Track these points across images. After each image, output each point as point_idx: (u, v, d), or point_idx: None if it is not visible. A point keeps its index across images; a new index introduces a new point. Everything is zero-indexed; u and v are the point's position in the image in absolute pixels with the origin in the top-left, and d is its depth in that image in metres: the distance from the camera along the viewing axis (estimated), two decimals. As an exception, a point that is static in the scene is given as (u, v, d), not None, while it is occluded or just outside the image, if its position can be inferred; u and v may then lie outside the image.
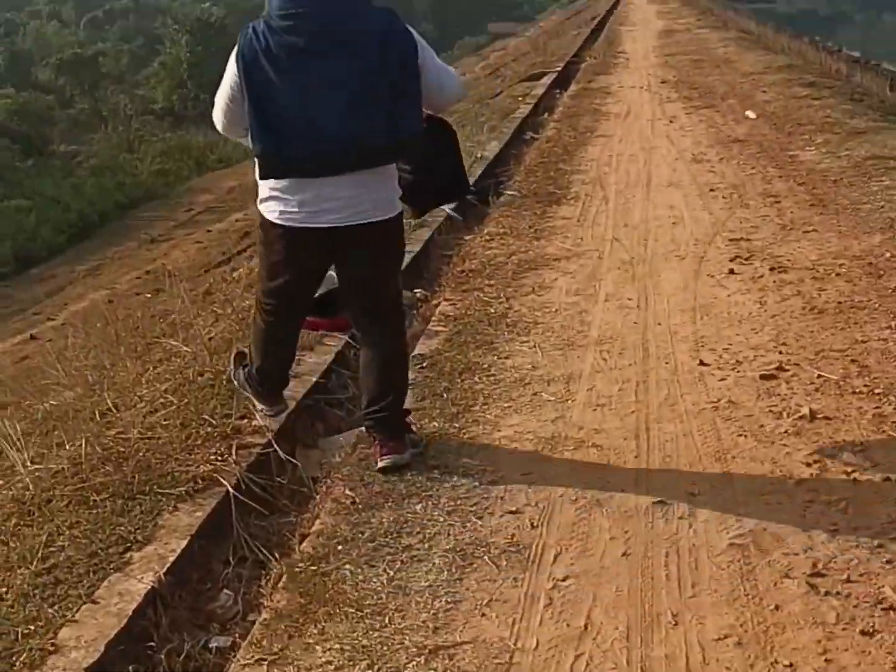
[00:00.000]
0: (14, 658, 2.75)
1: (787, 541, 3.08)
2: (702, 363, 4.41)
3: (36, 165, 29.27)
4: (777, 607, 2.79)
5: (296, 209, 3.51)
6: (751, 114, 10.30)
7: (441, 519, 3.39)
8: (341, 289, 3.84)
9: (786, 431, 3.74)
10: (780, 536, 3.11)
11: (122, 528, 3.37)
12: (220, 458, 3.81)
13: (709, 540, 3.14)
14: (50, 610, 2.95)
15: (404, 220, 3.82)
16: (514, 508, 3.43)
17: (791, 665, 2.57)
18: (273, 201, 3.56)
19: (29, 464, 3.94)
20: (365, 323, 3.86)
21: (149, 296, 11.12)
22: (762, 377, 4.20)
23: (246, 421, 4.13)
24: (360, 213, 3.52)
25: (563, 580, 3.02)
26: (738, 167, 8.08)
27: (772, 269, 5.50)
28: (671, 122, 10.42)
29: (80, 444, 3.97)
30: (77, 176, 27.55)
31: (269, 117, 3.42)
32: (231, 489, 3.60)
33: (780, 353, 4.41)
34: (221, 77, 3.60)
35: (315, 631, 2.87)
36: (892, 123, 9.36)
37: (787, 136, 9.13)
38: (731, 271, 5.53)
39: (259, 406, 4.12)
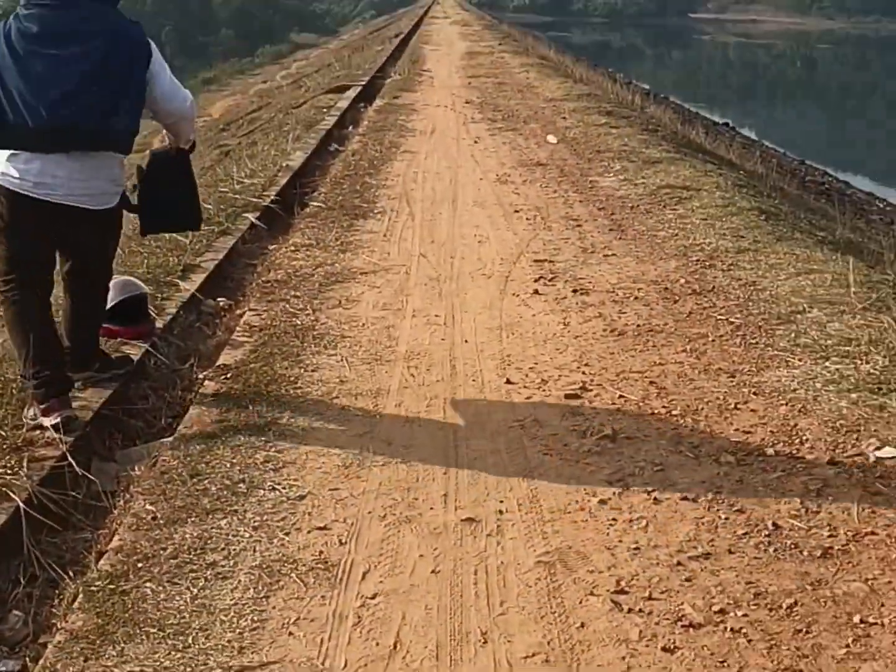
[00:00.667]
0: None
1: (591, 558, 3.14)
2: (508, 381, 4.47)
3: None
4: (583, 625, 2.84)
5: (22, 177, 3.89)
6: (552, 139, 10.59)
7: (247, 535, 3.31)
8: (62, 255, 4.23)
9: (589, 450, 3.83)
10: (584, 554, 3.17)
11: None
12: (10, 471, 3.60)
13: (517, 557, 3.17)
14: None
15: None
16: (322, 524, 3.38)
17: (596, 681, 2.62)
18: (6, 167, 3.91)
19: None
20: (73, 286, 4.30)
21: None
22: (566, 396, 4.29)
23: (38, 433, 3.92)
24: (73, 196, 3.95)
25: (372, 598, 2.99)
26: (541, 190, 8.29)
27: (574, 290, 5.66)
28: (476, 142, 10.59)
29: None
30: None
31: (2, 94, 3.82)
32: (22, 504, 3.41)
33: (584, 373, 4.53)
34: None
35: (114, 653, 2.74)
36: (684, 155, 9.83)
37: (588, 161, 9.44)
38: (536, 291, 5.66)
39: (42, 413, 3.97)
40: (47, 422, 3.92)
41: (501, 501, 3.50)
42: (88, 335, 4.42)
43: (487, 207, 7.72)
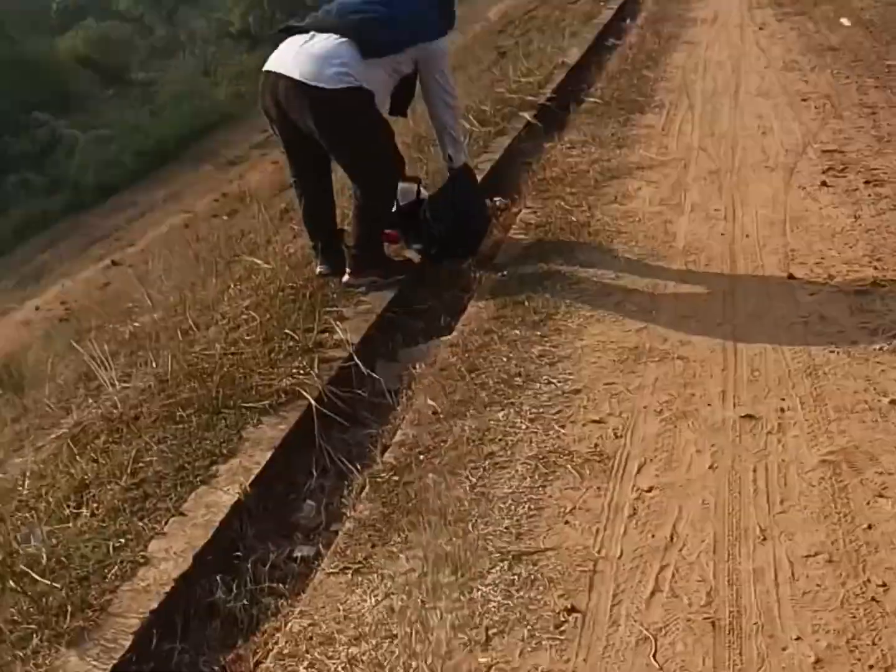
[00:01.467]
0: (106, 570, 2.80)
1: (880, 460, 2.97)
2: (792, 276, 4.26)
3: (117, 94, 29.48)
4: (870, 526, 2.70)
5: None
6: (846, 21, 9.82)
7: (523, 426, 3.36)
8: None
9: (880, 349, 3.59)
10: (873, 455, 3.00)
11: (208, 442, 3.41)
12: (302, 371, 3.81)
13: (799, 456, 3.05)
14: (139, 523, 3.00)
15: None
16: (597, 418, 3.38)
17: (884, 585, 2.49)
18: None
19: (116, 383, 4.01)
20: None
21: (226, 217, 11.16)
22: (856, 292, 4.04)
23: (327, 335, 4.12)
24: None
25: (648, 491, 2.97)
26: (832, 76, 7.72)
27: (867, 182, 5.27)
28: (761, 28, 10.01)
29: (166, 362, 4.02)
30: (155, 103, 27.68)
31: None
32: (313, 402, 3.61)
33: (875, 268, 4.23)
34: None
35: (398, 539, 2.88)
36: None
37: (885, 45, 8.68)
38: (824, 183, 5.31)
39: None
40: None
41: (783, 399, 3.37)
42: (360, 234, 4.58)
43: (772, 97, 7.30)
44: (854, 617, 2.40)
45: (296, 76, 4.22)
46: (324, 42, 4.28)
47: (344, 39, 4.26)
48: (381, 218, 4.64)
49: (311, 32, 4.35)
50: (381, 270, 4.61)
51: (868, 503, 2.80)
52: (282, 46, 4.41)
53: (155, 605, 2.66)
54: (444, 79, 4.58)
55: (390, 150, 4.51)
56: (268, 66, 4.39)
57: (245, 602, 2.81)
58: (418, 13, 4.46)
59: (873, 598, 2.45)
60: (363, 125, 4.35)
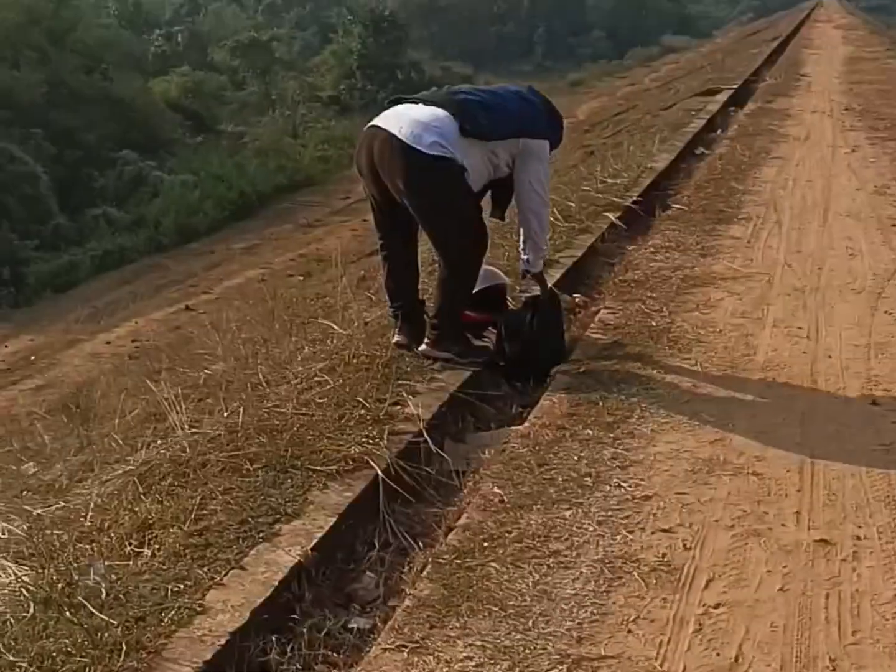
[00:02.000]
0: (163, 614, 2.78)
1: (959, 598, 2.90)
2: (875, 403, 4.20)
3: (204, 143, 30.21)
4: (945, 667, 2.62)
5: None
6: (939, 148, 9.84)
7: (591, 528, 3.32)
8: None
9: (963, 483, 3.52)
10: (952, 594, 2.92)
11: (273, 499, 3.40)
12: (371, 441, 3.81)
13: (873, 587, 2.97)
14: (199, 571, 2.99)
15: None
16: (666, 527, 3.33)
17: (957, 729, 2.40)
18: None
19: (187, 427, 4.03)
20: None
21: (301, 277, 11.33)
22: (940, 424, 3.97)
23: (399, 407, 4.13)
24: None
25: (715, 607, 2.90)
26: (923, 203, 7.72)
27: (955, 312, 5.22)
28: (853, 150, 10.04)
29: (236, 413, 4.04)
30: (242, 156, 28.28)
31: None
32: (381, 473, 3.59)
33: (961, 401, 4.17)
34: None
35: (457, 624, 2.83)
36: None
37: (976, 177, 8.69)
38: (912, 310, 5.27)
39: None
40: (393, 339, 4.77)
41: (860, 527, 3.29)
42: (441, 306, 4.64)
43: (862, 220, 7.29)
44: None
45: (395, 132, 4.33)
46: (428, 110, 4.40)
47: (446, 113, 4.37)
48: (462, 292, 4.66)
49: (419, 103, 4.46)
50: (459, 349, 4.62)
51: (942, 645, 2.71)
52: (387, 111, 4.53)
53: (209, 657, 2.63)
54: (540, 185, 4.64)
55: (476, 225, 4.55)
56: (371, 123, 4.52)
57: (298, 666, 2.78)
58: (528, 112, 4.60)
59: (944, 749, 2.36)
60: (452, 194, 4.42)
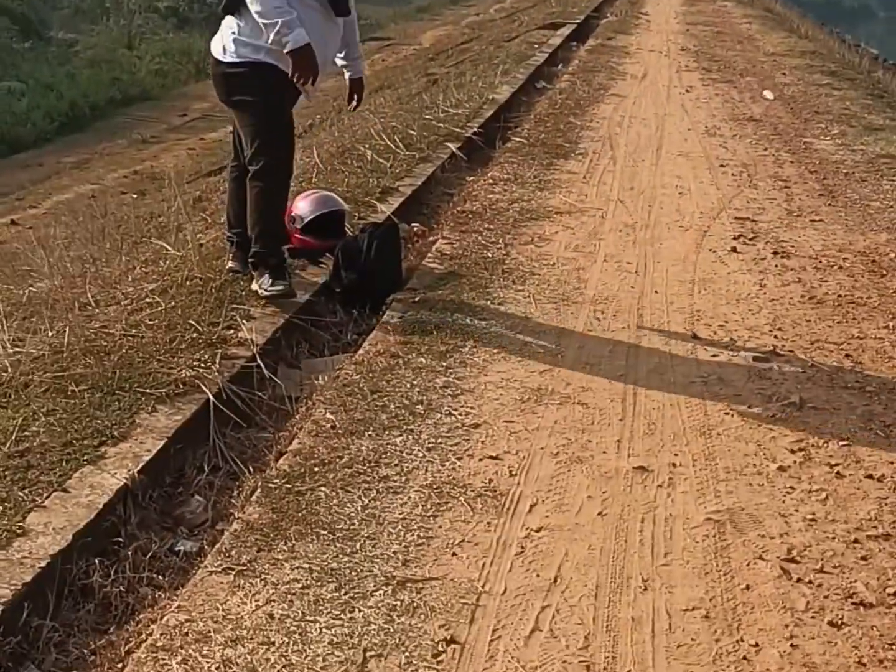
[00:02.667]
0: (-20, 536, 2.70)
1: (763, 523, 3.07)
2: (695, 336, 4.39)
3: (33, 49, 28.66)
4: (748, 587, 2.79)
5: None
6: (768, 94, 10.20)
7: (420, 454, 3.37)
8: None
9: (773, 416, 3.72)
10: (757, 518, 3.10)
11: (99, 421, 3.33)
12: (203, 365, 3.76)
13: (686, 511, 3.13)
14: (20, 493, 2.92)
15: None
16: (494, 454, 3.41)
17: (756, 645, 2.56)
18: None
19: (9, 346, 3.88)
20: None
21: (135, 196, 10.94)
22: (755, 359, 4.18)
23: (232, 332, 4.09)
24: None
25: (537, 531, 3.01)
26: (751, 146, 8.01)
27: (775, 252, 5.47)
28: (687, 91, 10.31)
29: (62, 333, 3.91)
30: (73, 65, 26.99)
31: None
32: (212, 397, 3.56)
33: (776, 337, 4.39)
34: None
35: (285, 548, 2.85)
36: (910, 124, 9.30)
37: (804, 122, 9.06)
38: (734, 249, 5.50)
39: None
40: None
41: (676, 455, 3.45)
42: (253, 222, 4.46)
43: (692, 159, 7.52)
44: (724, 675, 2.47)
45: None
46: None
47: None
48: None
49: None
50: (276, 260, 4.48)
51: (748, 564, 2.88)
52: None
53: (28, 579, 2.58)
54: None
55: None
56: None
57: (122, 589, 2.76)
58: None
59: (745, 658, 2.52)
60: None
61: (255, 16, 4.12)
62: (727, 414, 3.73)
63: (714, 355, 4.22)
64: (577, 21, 15.94)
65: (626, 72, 11.30)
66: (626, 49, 13.14)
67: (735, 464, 3.40)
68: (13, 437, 3.17)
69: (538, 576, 2.80)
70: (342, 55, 4.65)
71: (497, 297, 4.72)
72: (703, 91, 10.37)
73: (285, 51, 4.11)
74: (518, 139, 7.92)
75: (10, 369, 3.64)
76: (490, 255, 5.26)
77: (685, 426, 3.64)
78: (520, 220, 5.91)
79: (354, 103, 4.77)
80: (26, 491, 2.93)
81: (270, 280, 4.38)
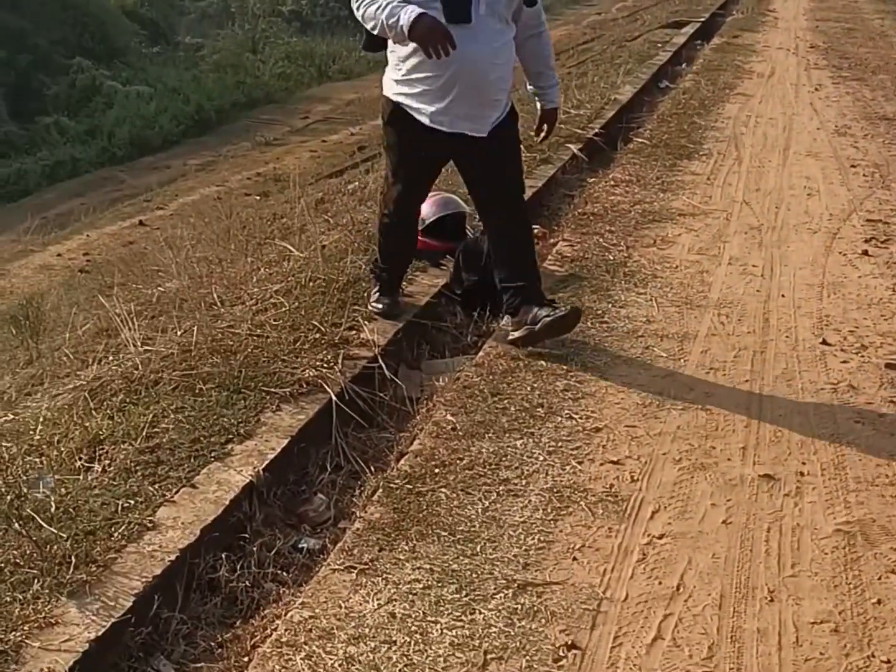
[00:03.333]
0: (113, 529, 2.79)
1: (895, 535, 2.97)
2: (824, 342, 4.26)
3: (161, 54, 29.47)
4: (879, 601, 2.70)
5: None
6: (902, 92, 9.87)
7: (541, 457, 3.36)
8: None
9: (906, 424, 3.60)
10: (889, 530, 3.00)
11: (226, 419, 3.40)
12: (326, 365, 3.81)
13: (814, 521, 3.05)
14: (150, 488, 3.00)
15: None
16: (615, 459, 3.38)
17: (888, 661, 2.49)
18: None
19: (139, 344, 4.00)
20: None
21: (258, 197, 11.18)
22: (887, 366, 4.04)
23: (354, 332, 4.13)
24: None
25: (659, 538, 2.96)
26: (883, 146, 7.75)
27: (908, 256, 5.29)
28: (816, 89, 10.03)
29: (190, 332, 4.01)
30: (199, 69, 27.67)
31: None
32: (334, 397, 3.60)
33: (909, 343, 4.25)
34: None
35: (406, 548, 2.87)
36: None
37: (942, 121, 8.73)
38: (865, 252, 5.33)
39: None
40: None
41: (804, 463, 3.36)
42: None
43: (822, 159, 7.31)
44: (854, 692, 2.40)
45: None
46: None
47: None
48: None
49: None
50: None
51: (879, 578, 2.80)
52: None
53: (158, 572, 2.65)
54: None
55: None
56: None
57: (247, 584, 2.82)
58: None
59: (875, 675, 2.44)
60: None
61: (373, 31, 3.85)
62: (857, 422, 3.62)
63: (844, 362, 4.10)
64: (702, 19, 15.64)
65: (752, 70, 11.05)
66: (753, 47, 12.84)
67: (866, 474, 3.30)
68: (144, 434, 3.26)
69: (660, 583, 2.77)
70: (533, 81, 4.31)
71: (618, 300, 4.67)
72: (833, 89, 10.08)
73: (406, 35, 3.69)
74: (640, 140, 7.82)
75: (140, 367, 3.75)
76: (611, 258, 5.21)
77: (813, 434, 3.55)
78: (642, 222, 5.83)
79: (544, 134, 4.46)
80: (156, 486, 3.01)
81: (377, 296, 4.40)
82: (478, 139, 3.95)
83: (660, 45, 12.59)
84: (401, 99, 3.99)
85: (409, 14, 3.66)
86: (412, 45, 3.80)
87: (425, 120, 3.93)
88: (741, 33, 14.06)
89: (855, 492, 3.19)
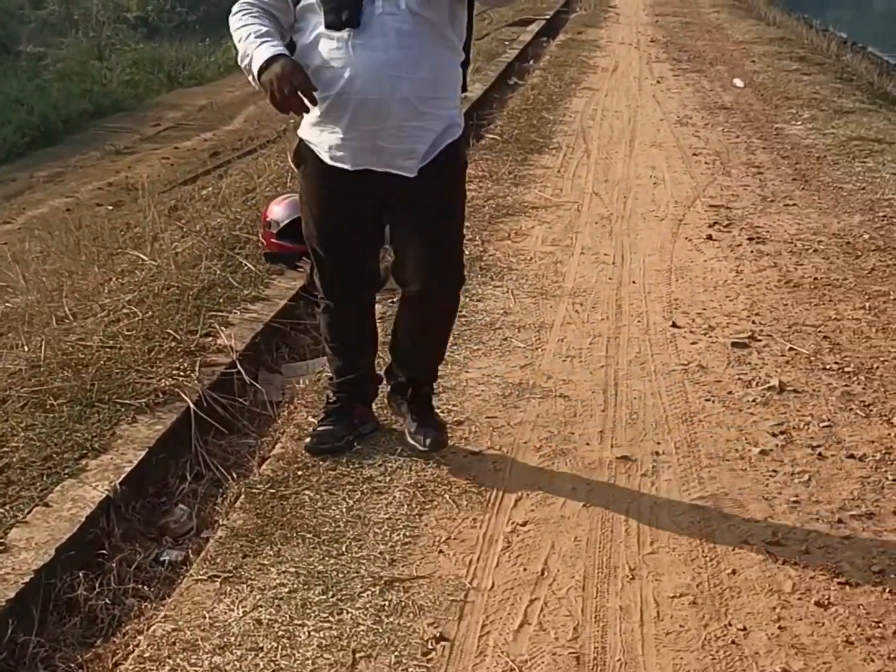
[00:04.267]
0: (-40, 553, 2.68)
1: (747, 507, 3.08)
2: (674, 325, 4.40)
3: (1, 64, 28.51)
4: (734, 571, 2.79)
5: None
6: (738, 82, 10.25)
7: (404, 454, 3.36)
8: None
9: (754, 400, 3.74)
10: (741, 503, 3.11)
11: (79, 434, 3.31)
12: (182, 373, 3.74)
13: (670, 499, 3.14)
14: (0, 509, 2.89)
15: None
16: (476, 450, 3.41)
17: (744, 629, 2.57)
18: None
19: (-16, 362, 3.85)
20: None
21: (110, 207, 10.89)
22: (734, 345, 4.19)
23: (211, 339, 4.06)
24: None
25: (523, 525, 3.01)
26: (723, 134, 8.05)
27: (750, 238, 5.49)
28: (658, 82, 10.34)
29: (39, 347, 3.89)
30: (43, 79, 26.84)
31: None
32: (192, 405, 3.54)
33: (753, 322, 4.41)
34: None
35: (271, 553, 2.84)
36: (878, 107, 9.36)
37: (774, 108, 9.11)
38: (709, 237, 5.52)
39: None
40: None
41: (658, 443, 3.46)
42: None
43: (665, 149, 7.54)
44: (714, 659, 2.47)
45: None
46: None
47: None
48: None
49: None
50: None
51: (733, 549, 2.89)
52: None
53: (12, 595, 2.56)
54: None
55: None
56: None
57: (107, 601, 2.74)
58: None
59: (733, 642, 2.52)
60: None
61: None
62: (708, 400, 3.75)
63: (693, 343, 4.23)
64: (547, 16, 15.96)
65: (597, 65, 11.32)
66: (597, 42, 13.16)
67: (717, 450, 3.41)
68: (-8, 453, 3.15)
69: (525, 569, 2.81)
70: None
71: (476, 293, 4.72)
72: (674, 81, 10.41)
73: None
74: (492, 136, 7.93)
75: (-14, 385, 3.62)
76: (467, 252, 5.21)
77: (667, 414, 3.65)
78: (496, 216, 5.91)
79: None
80: (7, 507, 2.90)
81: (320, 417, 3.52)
82: (406, 180, 3.02)
83: (507, 42, 12.78)
84: (304, 132, 3.16)
85: (260, 56, 2.85)
86: (313, 54, 2.96)
87: (325, 157, 3.07)
88: (585, 29, 14.40)
89: (707, 468, 3.30)
